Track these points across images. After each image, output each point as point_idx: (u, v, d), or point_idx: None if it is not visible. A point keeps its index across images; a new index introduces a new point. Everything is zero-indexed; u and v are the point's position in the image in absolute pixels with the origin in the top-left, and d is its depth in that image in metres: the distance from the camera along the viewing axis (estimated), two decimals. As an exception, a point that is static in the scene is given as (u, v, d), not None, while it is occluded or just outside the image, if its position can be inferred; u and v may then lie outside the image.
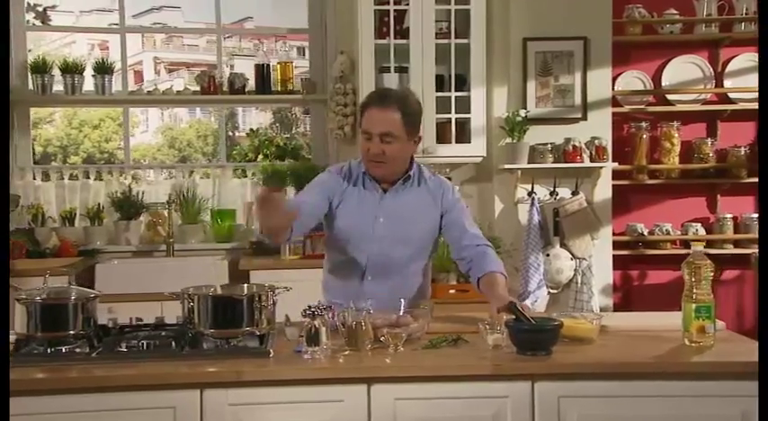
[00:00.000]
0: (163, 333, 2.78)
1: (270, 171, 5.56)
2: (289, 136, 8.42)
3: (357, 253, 3.16)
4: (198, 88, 5.70)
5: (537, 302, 5.32)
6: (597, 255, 5.43)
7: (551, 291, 5.44)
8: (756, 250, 5.45)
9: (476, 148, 5.31)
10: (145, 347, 2.66)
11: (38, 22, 7.95)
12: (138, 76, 12.97)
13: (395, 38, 5.26)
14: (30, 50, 6.91)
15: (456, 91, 5.29)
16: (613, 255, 5.56)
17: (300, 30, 6.00)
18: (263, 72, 5.63)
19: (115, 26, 5.94)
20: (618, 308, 5.62)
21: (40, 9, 8.07)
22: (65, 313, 2.60)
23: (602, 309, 5.40)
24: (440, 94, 5.26)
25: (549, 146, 5.40)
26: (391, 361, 2.56)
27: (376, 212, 3.14)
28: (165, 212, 5.45)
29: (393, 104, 3.04)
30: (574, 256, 5.40)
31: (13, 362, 2.48)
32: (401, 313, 2.83)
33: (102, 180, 5.68)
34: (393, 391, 2.49)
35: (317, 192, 3.16)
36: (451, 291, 5.17)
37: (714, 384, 2.49)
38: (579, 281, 5.39)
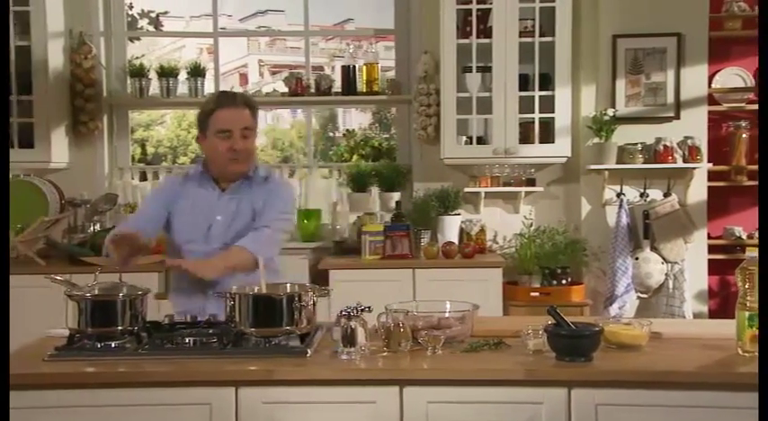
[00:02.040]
0: (210, 331, 2.83)
1: (354, 171, 5.62)
2: (388, 136, 8.45)
3: (195, 251, 3.17)
4: (287, 90, 5.78)
5: (625, 307, 5.18)
6: (691, 259, 5.24)
7: (641, 295, 5.29)
8: None
9: (560, 149, 5.20)
10: (191, 344, 2.72)
11: (151, 28, 8.30)
12: (244, 78, 13.30)
13: (478, 37, 5.22)
14: (143, 55, 7.19)
15: (540, 90, 5.20)
16: (709, 260, 5.36)
17: (386, 30, 6.01)
18: (348, 73, 5.66)
19: (211, 32, 6.07)
20: (714, 314, 5.40)
21: (153, 15, 8.43)
22: (113, 309, 2.68)
23: (695, 316, 5.21)
24: (523, 93, 5.19)
25: (639, 146, 5.25)
26: (426, 363, 2.53)
27: (213, 211, 3.20)
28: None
29: (241, 102, 3.23)
30: (665, 260, 5.22)
31: (61, 356, 2.60)
32: (445, 315, 2.79)
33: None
34: (425, 394, 2.45)
35: (154, 201, 3.33)
36: (533, 294, 5.09)
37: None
38: (671, 286, 5.22)
